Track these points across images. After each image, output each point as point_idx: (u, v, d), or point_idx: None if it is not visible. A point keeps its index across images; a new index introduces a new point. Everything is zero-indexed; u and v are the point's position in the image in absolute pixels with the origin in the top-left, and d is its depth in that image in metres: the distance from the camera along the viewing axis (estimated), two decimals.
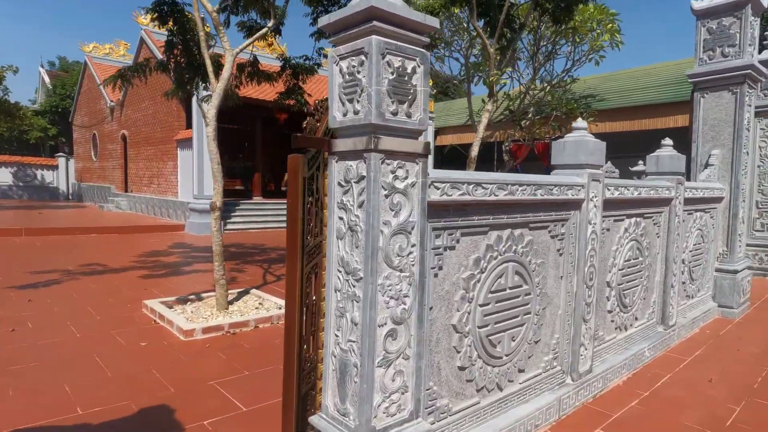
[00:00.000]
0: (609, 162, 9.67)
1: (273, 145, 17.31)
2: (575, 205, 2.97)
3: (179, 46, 5.52)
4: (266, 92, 13.78)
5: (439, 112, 19.19)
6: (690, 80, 5.51)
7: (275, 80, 6.27)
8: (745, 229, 5.53)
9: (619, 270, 3.57)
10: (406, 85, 1.85)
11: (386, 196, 1.86)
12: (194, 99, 11.54)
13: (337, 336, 2.02)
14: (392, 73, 1.80)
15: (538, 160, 14.10)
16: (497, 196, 2.36)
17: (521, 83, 11.03)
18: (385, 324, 1.91)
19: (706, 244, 5.08)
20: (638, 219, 3.76)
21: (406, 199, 1.93)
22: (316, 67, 6.33)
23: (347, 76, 1.86)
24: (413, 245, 1.98)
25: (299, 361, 2.21)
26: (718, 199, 5.23)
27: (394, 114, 1.83)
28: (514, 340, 2.65)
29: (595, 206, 3.08)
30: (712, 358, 3.97)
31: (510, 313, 2.60)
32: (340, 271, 1.98)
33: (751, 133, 7.37)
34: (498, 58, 7.45)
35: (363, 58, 1.78)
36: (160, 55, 12.92)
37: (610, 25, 10.39)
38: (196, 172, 12.29)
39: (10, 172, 22.88)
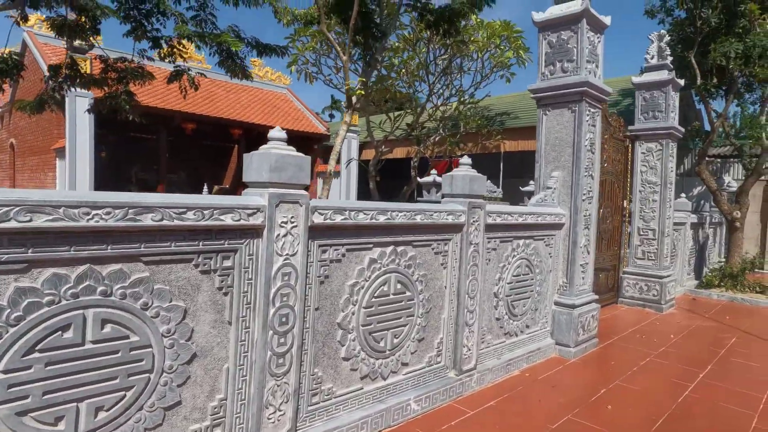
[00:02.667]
0: (489, 181, 9.31)
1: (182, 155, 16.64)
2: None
3: None
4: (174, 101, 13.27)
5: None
6: (532, 96, 5.10)
7: (101, 84, 5.66)
8: (592, 259, 5.07)
9: (366, 307, 3.02)
10: None
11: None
12: (67, 103, 10.84)
13: None
14: None
15: None
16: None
17: (428, 99, 10.66)
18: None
19: (539, 275, 4.59)
20: (405, 248, 3.23)
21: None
22: (141, 70, 5.74)
23: None
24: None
25: None
26: (556, 226, 4.77)
27: None
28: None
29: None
30: (498, 412, 3.42)
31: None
32: None
33: (637, 157, 7.10)
34: (365, 67, 7.01)
35: None
36: (43, 61, 12.21)
37: (516, 42, 10.13)
38: (67, 184, 11.39)
39: None
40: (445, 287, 3.59)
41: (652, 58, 7.25)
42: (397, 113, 12.22)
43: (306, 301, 2.66)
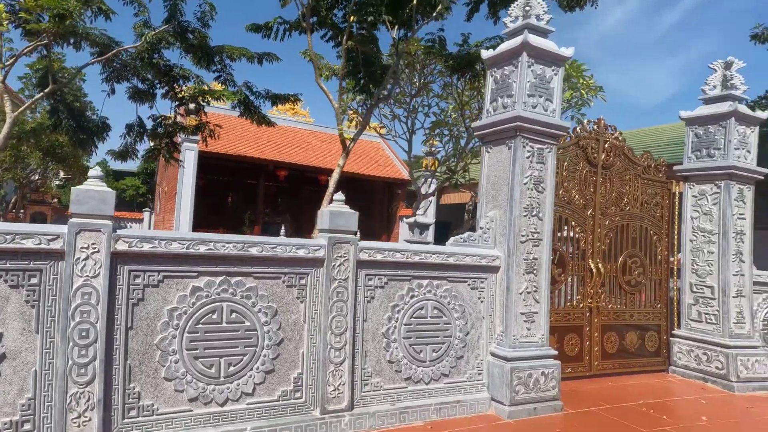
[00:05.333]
0: None
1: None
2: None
3: None
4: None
5: None
6: (475, 134, 4.92)
7: (155, 138, 7.26)
8: (544, 309, 4.47)
9: (191, 332, 3.32)
10: None
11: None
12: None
13: None
14: None
15: None
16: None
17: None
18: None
19: (460, 320, 4.27)
20: (242, 279, 3.48)
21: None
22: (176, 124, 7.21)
23: None
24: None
25: None
26: (488, 268, 4.41)
27: None
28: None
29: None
30: None
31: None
32: None
33: (687, 201, 6.11)
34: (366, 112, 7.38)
35: None
36: None
37: (582, 80, 9.47)
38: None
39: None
40: (304, 321, 3.68)
41: (712, 88, 6.12)
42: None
43: (115, 320, 3.10)
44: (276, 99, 7.67)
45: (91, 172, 3.14)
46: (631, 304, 5.93)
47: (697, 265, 5.98)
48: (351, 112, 11.01)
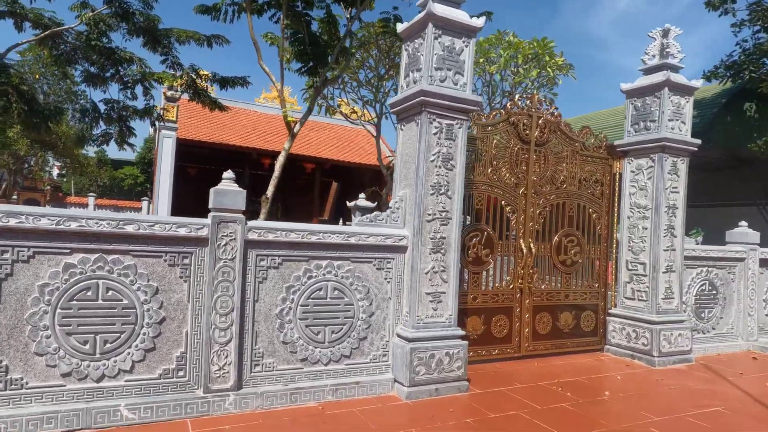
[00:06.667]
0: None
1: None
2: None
3: None
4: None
5: None
6: (392, 112, 4.80)
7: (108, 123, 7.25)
8: (452, 288, 4.40)
9: (64, 308, 3.31)
10: None
11: None
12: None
13: None
14: None
15: None
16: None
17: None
18: None
19: (364, 301, 4.22)
20: (119, 257, 3.45)
21: None
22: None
23: None
24: None
25: None
26: (395, 248, 4.34)
27: None
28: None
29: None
30: None
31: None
32: None
33: (626, 177, 5.98)
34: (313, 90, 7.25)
35: None
36: None
37: (552, 59, 9.25)
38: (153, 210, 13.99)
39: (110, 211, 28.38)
40: (188, 301, 3.65)
41: (651, 58, 5.91)
42: None
43: None
44: (224, 82, 7.58)
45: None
46: (567, 285, 5.83)
47: (632, 242, 5.85)
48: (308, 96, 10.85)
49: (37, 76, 13.74)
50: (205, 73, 7.39)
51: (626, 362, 5.55)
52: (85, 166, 23.89)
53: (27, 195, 20.99)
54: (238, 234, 3.74)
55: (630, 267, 5.86)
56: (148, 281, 3.53)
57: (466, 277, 5.19)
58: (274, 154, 17.13)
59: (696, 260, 6.06)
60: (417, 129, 4.37)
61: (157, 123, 7.89)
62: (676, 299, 5.66)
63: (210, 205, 3.73)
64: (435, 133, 4.34)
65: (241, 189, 3.80)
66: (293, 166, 19.04)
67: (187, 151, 16.51)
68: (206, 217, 3.73)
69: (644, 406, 4.11)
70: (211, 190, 3.75)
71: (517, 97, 5.57)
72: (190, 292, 3.65)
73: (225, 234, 3.70)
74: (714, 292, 6.22)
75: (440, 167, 4.36)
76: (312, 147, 18.38)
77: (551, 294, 5.70)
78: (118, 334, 3.45)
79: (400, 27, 4.76)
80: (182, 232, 3.58)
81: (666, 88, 5.52)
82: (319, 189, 19.39)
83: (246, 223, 3.78)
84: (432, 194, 4.33)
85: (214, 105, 7.89)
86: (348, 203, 9.69)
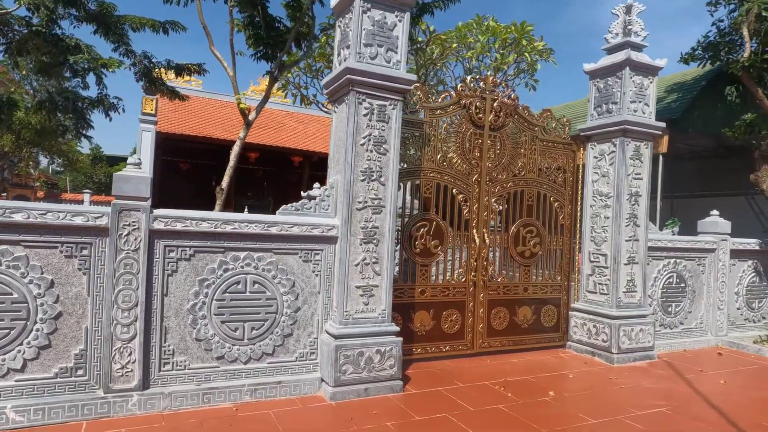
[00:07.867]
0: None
1: None
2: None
3: None
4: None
5: None
6: (325, 92, 4.52)
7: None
8: (386, 281, 4.12)
9: None
10: None
11: None
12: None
13: None
14: None
15: None
16: None
17: None
18: None
19: (289, 295, 3.95)
20: (7, 247, 3.21)
21: None
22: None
23: None
24: None
25: None
26: (323, 239, 4.07)
27: None
28: None
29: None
30: None
31: None
32: None
33: (589, 163, 5.68)
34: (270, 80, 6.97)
35: None
36: None
37: (532, 45, 8.89)
38: None
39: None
40: (88, 295, 3.40)
41: (614, 36, 5.56)
42: None
43: None
44: (179, 69, 7.32)
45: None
46: (526, 278, 5.53)
47: (595, 232, 5.54)
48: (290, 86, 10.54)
49: None
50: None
51: (585, 359, 5.26)
52: (75, 162, 23.71)
53: (16, 191, 20.90)
54: (142, 223, 3.48)
55: (592, 259, 5.55)
56: (42, 273, 3.28)
57: (414, 270, 4.92)
58: (261, 148, 16.92)
59: (663, 251, 5.73)
60: (346, 110, 4.08)
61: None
62: (639, 293, 5.34)
63: (112, 193, 3.48)
64: (365, 115, 4.05)
65: (145, 175, 3.53)
66: (283, 160, 18.81)
67: (174, 145, 16.27)
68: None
69: (585, 407, 3.82)
70: (114, 175, 3.49)
71: (468, 78, 5.25)
72: (90, 286, 3.40)
73: (127, 223, 3.44)
74: (682, 284, 5.90)
75: (371, 151, 4.08)
76: (299, 140, 18.11)
77: (508, 287, 5.41)
78: (8, 330, 3.20)
79: (333, 1, 4.46)
80: (79, 221, 3.33)
81: (627, 68, 5.18)
82: (310, 183, 19.09)
83: (152, 212, 3.52)
84: (363, 180, 4.05)
85: (173, 94, 7.65)
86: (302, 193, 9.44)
